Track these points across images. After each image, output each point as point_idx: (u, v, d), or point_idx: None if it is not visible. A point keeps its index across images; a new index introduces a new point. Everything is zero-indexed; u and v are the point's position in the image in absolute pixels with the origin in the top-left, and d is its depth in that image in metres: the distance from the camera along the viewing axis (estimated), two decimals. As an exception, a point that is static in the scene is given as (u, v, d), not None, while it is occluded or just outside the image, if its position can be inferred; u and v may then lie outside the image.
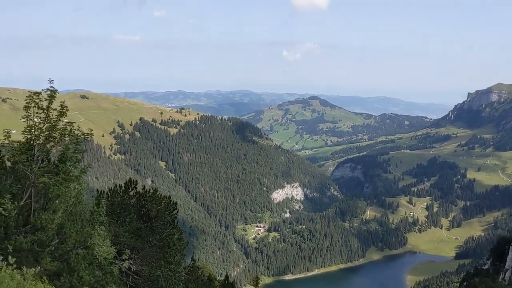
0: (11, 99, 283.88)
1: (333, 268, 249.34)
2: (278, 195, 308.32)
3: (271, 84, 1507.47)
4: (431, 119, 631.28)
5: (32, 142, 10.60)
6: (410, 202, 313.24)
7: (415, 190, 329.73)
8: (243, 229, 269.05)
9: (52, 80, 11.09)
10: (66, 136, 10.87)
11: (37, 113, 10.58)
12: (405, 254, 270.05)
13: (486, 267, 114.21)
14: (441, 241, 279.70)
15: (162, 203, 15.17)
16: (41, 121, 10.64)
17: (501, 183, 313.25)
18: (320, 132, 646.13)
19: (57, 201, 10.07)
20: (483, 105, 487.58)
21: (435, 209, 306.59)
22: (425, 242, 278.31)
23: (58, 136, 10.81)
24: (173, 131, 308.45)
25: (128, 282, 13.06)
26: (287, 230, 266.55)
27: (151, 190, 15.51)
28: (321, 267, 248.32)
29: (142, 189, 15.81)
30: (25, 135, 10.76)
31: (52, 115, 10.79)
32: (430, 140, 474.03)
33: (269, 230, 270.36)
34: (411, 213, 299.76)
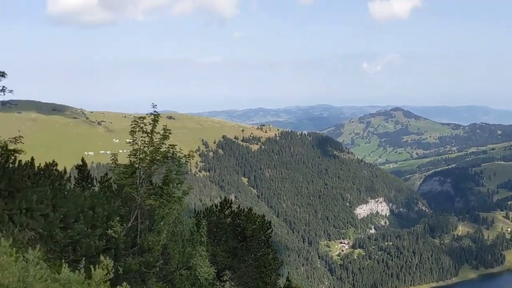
0: (105, 121, 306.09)
1: (424, 287, 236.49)
2: (362, 211, 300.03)
3: (351, 98, 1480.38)
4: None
5: (137, 165, 10.98)
6: (507, 217, 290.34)
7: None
8: (327, 245, 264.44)
9: (155, 105, 11.50)
10: (169, 158, 11.14)
11: (141, 137, 10.95)
12: (503, 273, 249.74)
13: None
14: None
15: (257, 222, 15.12)
16: (146, 145, 11.00)
17: None
18: (405, 144, 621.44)
19: (161, 223, 10.31)
20: None
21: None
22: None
23: (161, 159, 11.12)
24: (254, 147, 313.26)
25: (225, 303, 13.11)
26: (373, 246, 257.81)
27: (246, 209, 15.55)
28: (410, 285, 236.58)
29: (237, 208, 15.88)
30: (130, 159, 11.17)
31: (156, 138, 11.12)
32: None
33: (353, 247, 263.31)
34: (508, 229, 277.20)
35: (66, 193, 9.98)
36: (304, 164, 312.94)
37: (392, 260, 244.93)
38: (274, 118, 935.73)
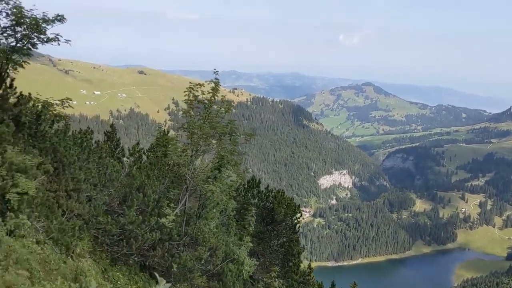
0: (74, 71, 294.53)
1: (378, 258, 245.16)
2: (325, 181, 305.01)
3: (324, 68, 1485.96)
4: (491, 113, 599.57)
5: (191, 140, 9.37)
6: (462, 197, 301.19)
7: (469, 185, 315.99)
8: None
9: (217, 71, 9.89)
10: (227, 136, 9.61)
11: (197, 107, 9.37)
12: (453, 250, 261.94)
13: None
14: (492, 240, 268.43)
15: (286, 205, 13.95)
16: (201, 118, 9.40)
17: None
18: (372, 120, 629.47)
19: (214, 210, 8.86)
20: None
21: (489, 207, 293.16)
22: (475, 240, 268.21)
23: (218, 136, 9.58)
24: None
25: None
26: (333, 217, 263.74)
27: (274, 191, 14.37)
28: (366, 256, 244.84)
29: (265, 188, 14.63)
30: (182, 133, 9.54)
31: (213, 110, 9.57)
32: (488, 134, 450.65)
33: (314, 216, 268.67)
34: (463, 209, 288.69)
35: (107, 168, 8.26)
36: (273, 132, 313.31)
37: (350, 231, 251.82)
38: (247, 82, 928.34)
